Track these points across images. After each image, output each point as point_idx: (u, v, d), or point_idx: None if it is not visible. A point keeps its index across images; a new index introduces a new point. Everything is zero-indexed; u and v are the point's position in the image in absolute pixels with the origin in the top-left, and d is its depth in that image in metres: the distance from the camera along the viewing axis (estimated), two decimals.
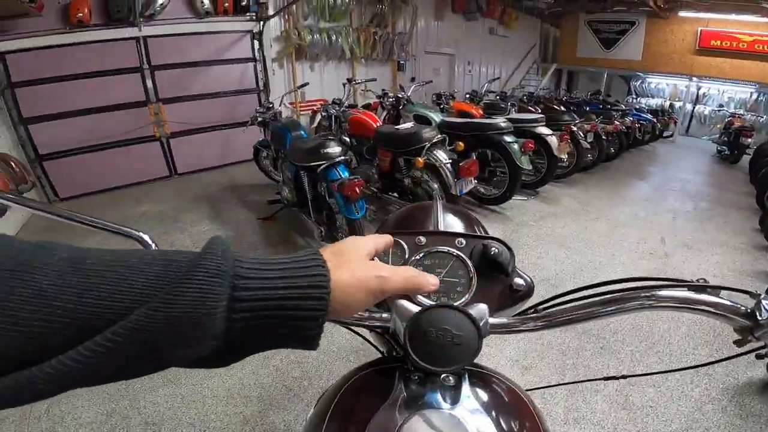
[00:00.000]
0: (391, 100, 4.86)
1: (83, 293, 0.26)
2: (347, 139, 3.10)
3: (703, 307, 0.44)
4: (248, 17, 5.37)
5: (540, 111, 5.35)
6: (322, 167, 2.70)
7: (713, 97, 9.89)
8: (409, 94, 4.86)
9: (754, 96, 9.18)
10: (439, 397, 0.47)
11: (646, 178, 5.78)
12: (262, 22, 5.44)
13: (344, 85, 4.68)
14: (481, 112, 4.95)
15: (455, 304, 0.51)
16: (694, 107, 10.18)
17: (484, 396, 0.49)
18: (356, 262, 0.39)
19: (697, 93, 10.03)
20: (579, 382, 0.86)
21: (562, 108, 5.78)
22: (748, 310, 0.44)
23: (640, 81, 10.88)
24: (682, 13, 8.71)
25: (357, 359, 1.92)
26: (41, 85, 4.20)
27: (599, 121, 5.34)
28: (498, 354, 2.11)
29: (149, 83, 4.86)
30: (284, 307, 0.32)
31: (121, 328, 0.26)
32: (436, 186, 3.23)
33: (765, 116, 9.09)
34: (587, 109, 6.17)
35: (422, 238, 0.61)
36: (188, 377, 1.93)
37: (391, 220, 0.84)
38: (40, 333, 0.25)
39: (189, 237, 3.46)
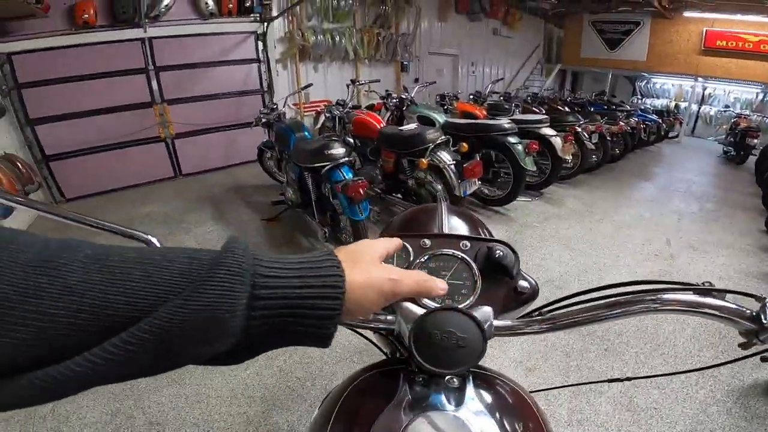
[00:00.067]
0: (394, 101, 4.86)
1: (109, 289, 0.26)
2: (351, 140, 3.11)
3: (708, 311, 0.44)
4: (252, 18, 5.39)
5: (544, 112, 5.34)
6: (326, 168, 2.70)
7: (719, 97, 9.83)
8: (412, 95, 4.86)
9: (760, 96, 9.10)
10: (443, 398, 0.47)
11: (651, 179, 5.75)
12: (266, 23, 5.46)
13: (348, 86, 4.68)
14: (484, 113, 4.95)
15: (460, 306, 0.52)
16: (699, 108, 10.12)
17: (488, 398, 0.49)
18: (369, 263, 0.40)
19: (703, 93, 9.97)
20: (583, 384, 0.86)
21: (567, 109, 5.77)
22: (754, 314, 0.44)
23: (645, 81, 10.83)
24: (687, 14, 8.66)
25: (361, 361, 1.93)
26: (47, 86, 4.23)
27: (604, 122, 5.32)
28: (501, 355, 2.11)
29: (154, 84, 4.88)
30: (301, 305, 0.33)
31: (146, 324, 0.26)
32: (439, 187, 3.23)
33: None
34: (592, 109, 6.15)
35: (427, 241, 0.61)
36: (192, 377, 1.94)
37: (395, 223, 0.85)
38: (68, 329, 0.25)
39: (193, 238, 3.48)
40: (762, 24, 7.95)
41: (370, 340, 0.78)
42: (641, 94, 10.95)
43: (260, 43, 5.56)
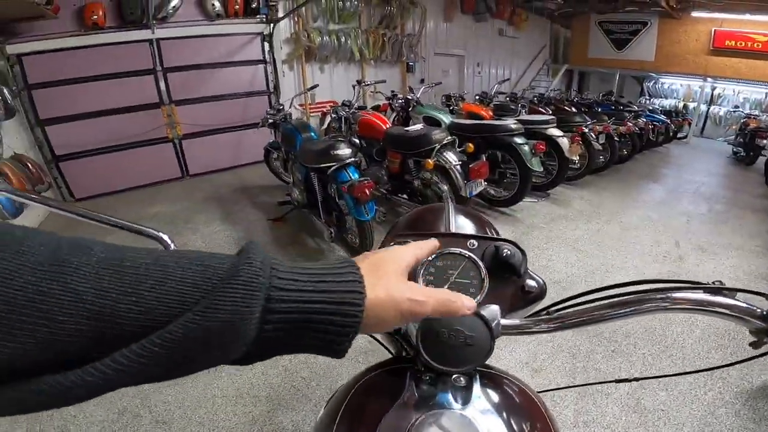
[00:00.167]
0: (400, 101, 4.87)
1: (120, 299, 0.26)
2: (357, 141, 3.11)
3: (718, 309, 0.44)
4: (258, 19, 5.42)
5: (551, 112, 5.31)
6: (332, 169, 2.71)
7: (728, 97, 9.72)
8: (418, 96, 4.86)
9: None
10: (450, 397, 0.47)
11: (659, 180, 5.70)
12: (272, 24, 5.49)
13: (354, 86, 4.70)
14: (490, 113, 4.94)
15: None
16: (708, 108, 10.02)
17: (495, 397, 0.49)
18: (394, 278, 0.38)
19: (712, 94, 9.87)
20: (590, 384, 0.85)
21: (574, 109, 5.73)
22: (764, 312, 0.43)
23: (653, 82, 10.74)
24: (695, 14, 8.58)
25: (366, 360, 1.92)
26: (57, 87, 4.29)
27: (611, 123, 5.28)
28: (508, 356, 2.10)
29: (162, 85, 4.93)
30: (317, 320, 0.32)
31: (158, 338, 0.26)
32: (445, 188, 3.22)
33: None
34: (599, 110, 6.10)
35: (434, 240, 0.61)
36: (198, 377, 1.95)
37: (402, 222, 0.84)
38: (75, 337, 0.25)
39: (201, 238, 3.50)
40: None
41: (376, 339, 0.78)
42: (649, 95, 10.86)
43: (266, 44, 5.59)
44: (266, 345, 0.32)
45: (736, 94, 9.55)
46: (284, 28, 5.73)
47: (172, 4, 4.66)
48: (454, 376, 0.49)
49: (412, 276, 0.58)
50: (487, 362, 0.49)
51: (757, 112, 8.64)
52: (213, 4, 4.95)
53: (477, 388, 0.48)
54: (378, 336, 0.77)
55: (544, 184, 4.45)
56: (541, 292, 0.57)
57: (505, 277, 0.57)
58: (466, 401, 0.46)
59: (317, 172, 2.91)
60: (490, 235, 0.74)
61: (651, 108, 7.96)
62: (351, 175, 2.69)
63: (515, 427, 0.47)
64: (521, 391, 0.54)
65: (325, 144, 2.84)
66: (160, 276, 0.28)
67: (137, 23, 4.56)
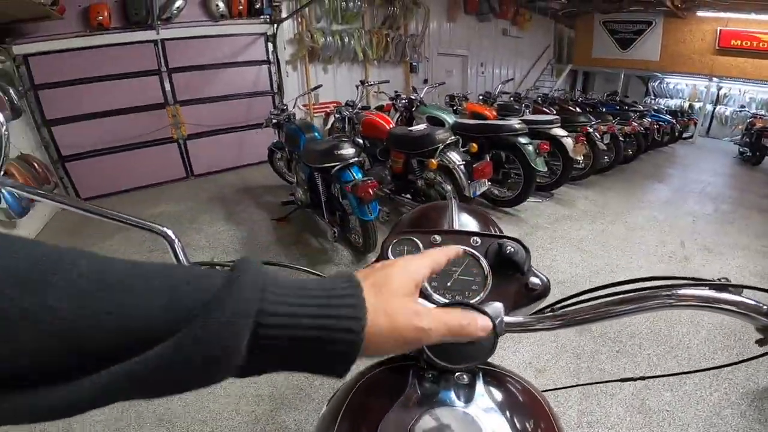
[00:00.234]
0: (404, 101, 4.87)
1: (101, 321, 0.25)
2: (360, 141, 3.12)
3: (724, 306, 0.43)
4: (262, 20, 5.44)
5: (555, 112, 5.30)
6: (335, 169, 2.71)
7: (734, 97, 9.66)
8: (421, 96, 4.86)
9: None
10: (452, 395, 0.47)
11: (664, 180, 5.67)
12: (275, 25, 5.50)
13: (357, 87, 4.70)
14: (494, 113, 4.93)
15: (470, 302, 0.51)
16: (714, 108, 9.96)
17: (498, 395, 0.49)
18: (399, 300, 0.35)
19: (718, 93, 9.81)
20: (595, 383, 0.85)
21: (578, 109, 5.71)
22: None
23: (658, 81, 10.68)
24: (701, 13, 8.54)
25: (369, 358, 1.92)
26: (63, 88, 4.32)
27: (616, 122, 5.26)
28: (511, 356, 2.09)
29: (167, 85, 4.95)
30: (311, 348, 0.30)
31: (136, 364, 0.24)
32: (449, 188, 3.22)
33: None
34: (603, 110, 6.08)
35: (437, 237, 0.61)
36: None
37: (405, 220, 0.84)
38: (56, 356, 0.24)
39: (205, 237, 3.51)
40: None
41: None
42: (654, 95, 10.80)
43: (270, 45, 5.61)
44: (256, 367, 0.30)
45: (742, 94, 9.48)
46: (288, 29, 5.75)
47: (177, 4, 4.68)
48: (456, 373, 0.49)
49: None
50: (490, 361, 0.48)
51: (763, 112, 8.58)
52: (217, 5, 4.98)
53: (480, 385, 0.48)
54: None
55: (549, 184, 4.44)
56: (545, 290, 0.57)
57: (509, 274, 0.57)
58: (469, 399, 0.46)
59: (321, 172, 2.91)
60: (493, 232, 0.74)
61: (656, 108, 7.91)
62: (354, 174, 2.69)
63: (518, 425, 0.46)
64: (525, 390, 0.54)
65: (329, 144, 2.84)
66: (146, 293, 0.26)
67: (142, 24, 4.59)
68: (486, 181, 3.36)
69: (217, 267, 0.57)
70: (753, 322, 0.44)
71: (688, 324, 2.34)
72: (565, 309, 0.53)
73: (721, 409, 1.78)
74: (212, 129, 5.40)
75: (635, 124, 5.71)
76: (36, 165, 3.84)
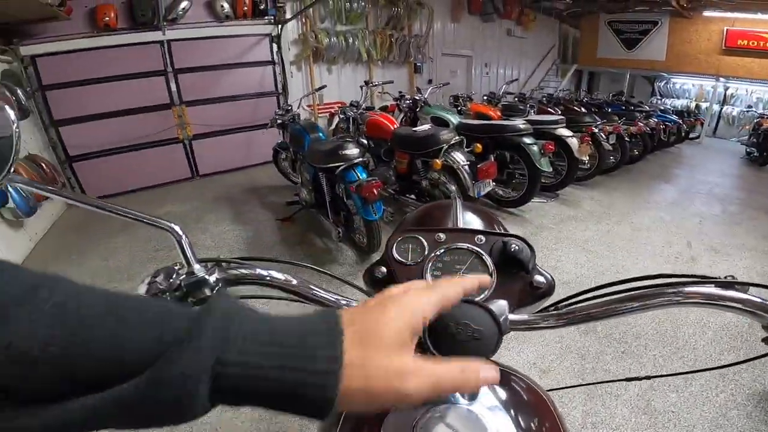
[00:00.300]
0: (408, 102, 4.87)
1: (68, 347, 0.25)
2: (365, 141, 3.12)
3: (730, 304, 0.43)
4: (266, 21, 5.46)
5: (560, 112, 5.27)
6: (340, 169, 2.72)
7: (741, 97, 9.59)
8: (426, 96, 4.86)
9: None
10: (456, 392, 0.47)
11: (671, 181, 5.63)
12: (280, 26, 5.52)
13: (361, 87, 4.70)
14: (499, 113, 4.91)
15: (475, 299, 0.51)
16: (721, 108, 9.89)
17: (503, 393, 0.49)
18: (383, 357, 0.30)
19: (725, 93, 9.74)
20: (600, 383, 0.85)
21: (583, 109, 5.68)
22: None
23: (664, 81, 10.62)
24: (707, 13, 8.48)
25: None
26: (70, 88, 4.36)
27: (622, 123, 5.23)
28: (516, 357, 2.08)
29: (173, 86, 4.99)
30: (278, 398, 0.28)
31: (99, 401, 0.24)
32: (453, 188, 3.21)
33: None
34: (609, 110, 6.05)
35: (442, 235, 0.61)
36: None
37: (409, 219, 0.84)
38: (23, 387, 0.24)
39: (210, 237, 3.53)
40: None
41: None
42: (660, 95, 10.74)
43: (275, 45, 5.63)
44: (229, 404, 0.29)
45: (749, 94, 9.42)
46: (292, 30, 5.76)
47: (182, 5, 4.72)
48: None
49: (422, 273, 0.58)
50: (495, 359, 0.48)
51: None
52: (222, 6, 5.01)
53: None
54: None
55: (554, 185, 4.42)
56: (550, 288, 0.57)
57: (513, 272, 0.57)
58: (473, 397, 0.46)
59: (325, 172, 2.92)
60: (498, 230, 0.74)
61: (662, 108, 7.88)
62: (359, 174, 2.70)
63: (523, 423, 0.46)
64: (529, 388, 0.54)
65: (334, 144, 2.84)
66: (116, 329, 0.26)
67: (148, 25, 4.62)
68: (490, 181, 3.35)
69: (220, 264, 0.57)
70: (759, 320, 0.44)
71: (694, 325, 2.32)
72: (570, 307, 0.53)
73: (727, 411, 1.77)
74: (218, 129, 5.43)
75: (641, 124, 5.68)
76: (44, 165, 3.87)
